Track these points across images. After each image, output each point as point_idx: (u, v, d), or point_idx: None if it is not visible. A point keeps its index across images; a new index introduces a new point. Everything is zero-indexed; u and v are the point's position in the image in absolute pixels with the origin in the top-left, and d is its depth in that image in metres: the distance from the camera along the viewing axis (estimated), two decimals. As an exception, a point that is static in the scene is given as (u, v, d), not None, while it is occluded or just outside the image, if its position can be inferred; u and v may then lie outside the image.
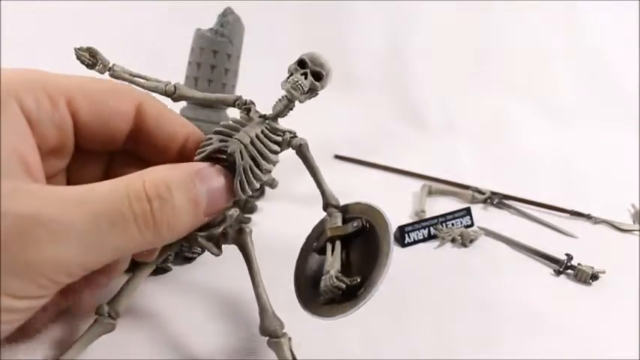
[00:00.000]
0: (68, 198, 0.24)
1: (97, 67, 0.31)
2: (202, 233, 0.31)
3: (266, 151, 0.30)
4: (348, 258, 0.29)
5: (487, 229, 0.54)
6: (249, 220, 0.49)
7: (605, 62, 0.97)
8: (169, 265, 0.41)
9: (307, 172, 0.31)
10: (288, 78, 0.30)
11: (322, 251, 0.30)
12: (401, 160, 0.72)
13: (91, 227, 0.23)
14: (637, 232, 0.58)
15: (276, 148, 0.31)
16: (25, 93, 0.26)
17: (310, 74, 0.30)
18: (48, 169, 0.29)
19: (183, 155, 0.31)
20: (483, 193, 0.63)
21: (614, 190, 0.68)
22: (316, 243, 0.31)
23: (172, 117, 0.32)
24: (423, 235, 0.52)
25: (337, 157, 0.73)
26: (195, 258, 0.43)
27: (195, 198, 0.27)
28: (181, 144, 0.32)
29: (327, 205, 0.31)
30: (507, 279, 0.46)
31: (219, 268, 0.43)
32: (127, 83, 0.31)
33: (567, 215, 0.61)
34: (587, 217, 0.60)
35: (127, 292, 0.30)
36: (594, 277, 0.46)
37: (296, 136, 0.31)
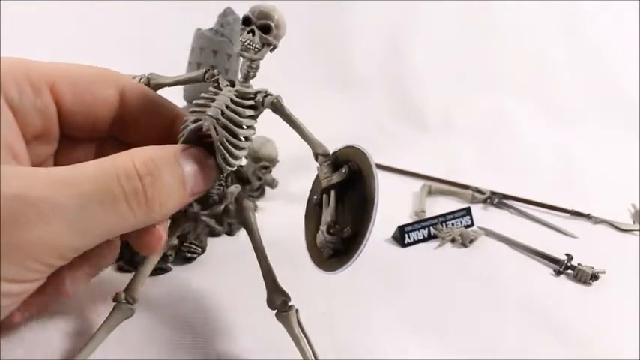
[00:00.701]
0: (56, 178, 0.23)
1: None
2: (205, 212, 0.31)
3: (239, 118, 0.29)
4: (344, 206, 0.29)
5: (487, 229, 0.54)
6: (255, 206, 0.49)
7: (605, 62, 0.97)
8: (169, 265, 0.41)
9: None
10: (239, 39, 0.30)
11: (321, 204, 0.29)
12: (401, 160, 0.72)
13: (81, 207, 0.23)
14: (637, 232, 0.58)
15: (249, 112, 0.30)
16: (8, 81, 0.27)
17: (258, 29, 0.29)
18: (34, 155, 0.29)
19: (171, 138, 0.31)
20: (483, 193, 0.63)
21: (614, 190, 0.68)
22: (315, 197, 0.30)
23: (157, 100, 0.32)
24: (423, 235, 0.52)
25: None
26: (195, 258, 0.43)
27: (181, 177, 0.27)
28: (168, 127, 0.32)
29: (316, 155, 0.30)
30: (507, 279, 0.46)
31: (219, 268, 0.43)
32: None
33: (567, 215, 0.61)
34: (587, 217, 0.60)
35: (140, 278, 0.31)
36: (594, 277, 0.46)
37: (269, 94, 0.30)
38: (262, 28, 0.29)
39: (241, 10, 0.55)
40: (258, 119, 0.31)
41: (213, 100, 0.29)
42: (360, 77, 0.95)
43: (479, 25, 0.97)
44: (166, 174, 0.26)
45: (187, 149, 0.28)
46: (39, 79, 0.28)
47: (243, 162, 0.32)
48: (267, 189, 0.58)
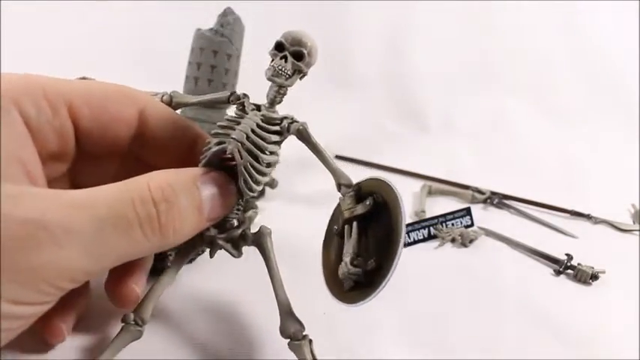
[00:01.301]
0: (71, 202, 0.23)
1: None
2: (222, 235, 0.31)
3: (264, 144, 0.29)
4: (367, 238, 0.29)
5: (487, 229, 0.54)
6: (256, 206, 0.49)
7: (605, 62, 0.97)
8: (169, 265, 0.41)
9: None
10: (270, 64, 0.30)
11: (341, 234, 0.29)
12: (401, 160, 0.72)
13: (95, 232, 0.23)
14: (637, 232, 0.58)
15: (275, 138, 0.30)
16: (25, 99, 0.26)
17: (290, 55, 0.29)
18: (49, 172, 0.29)
19: (192, 159, 0.31)
20: (483, 193, 0.63)
21: (614, 190, 0.68)
22: (336, 226, 0.30)
23: (179, 121, 0.32)
24: (423, 235, 0.52)
25: (338, 157, 0.73)
26: (195, 258, 0.43)
27: (198, 202, 0.27)
28: (190, 147, 0.32)
29: (339, 185, 0.30)
30: (507, 279, 0.46)
31: (219, 268, 0.43)
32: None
33: (567, 215, 0.61)
34: (587, 217, 0.60)
35: (151, 298, 0.30)
36: (594, 277, 0.46)
37: (295, 121, 0.30)
38: (295, 55, 0.29)
39: (241, 10, 0.55)
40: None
41: (239, 123, 0.29)
42: (360, 77, 0.95)
43: (479, 25, 0.97)
44: (183, 199, 0.26)
45: (207, 173, 0.28)
46: (56, 98, 0.28)
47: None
48: (267, 189, 0.58)
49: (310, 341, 0.30)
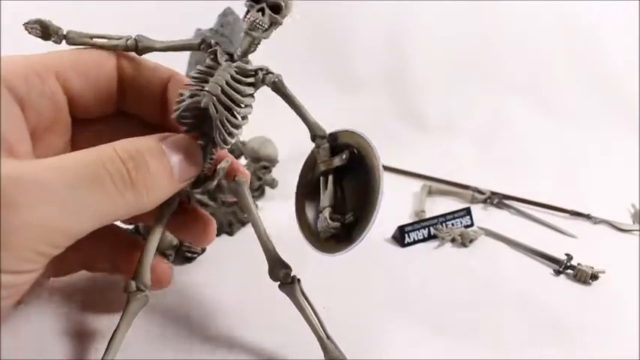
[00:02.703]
0: (45, 164, 0.24)
1: (52, 38, 0.30)
2: (197, 190, 0.30)
3: (239, 97, 0.28)
4: (342, 191, 0.29)
5: (487, 229, 0.54)
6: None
7: (605, 62, 0.97)
8: (169, 264, 0.41)
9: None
10: (246, 16, 0.29)
11: (316, 184, 0.30)
12: (401, 160, 0.72)
13: (68, 188, 0.23)
14: (637, 232, 0.58)
15: (249, 90, 0.29)
16: (14, 76, 0.27)
17: (268, 7, 0.29)
18: (49, 147, 0.29)
19: (168, 104, 0.31)
20: (483, 193, 0.63)
21: (614, 190, 0.68)
22: (310, 176, 0.31)
23: (150, 65, 0.32)
24: (423, 235, 0.52)
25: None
26: (195, 258, 0.43)
27: (166, 164, 0.27)
28: (162, 89, 0.32)
29: (314, 136, 0.30)
30: (507, 279, 0.46)
31: (219, 268, 0.43)
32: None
33: (567, 215, 0.61)
34: (587, 217, 0.60)
35: (147, 261, 0.30)
36: (594, 277, 0.46)
37: (270, 72, 0.30)
38: (273, 7, 0.29)
39: (241, 10, 0.55)
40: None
41: (212, 74, 0.28)
42: (360, 77, 0.95)
43: (479, 25, 0.97)
44: (150, 159, 0.26)
45: (169, 137, 0.28)
46: (43, 69, 0.28)
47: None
48: (267, 189, 0.58)
49: (298, 280, 0.30)
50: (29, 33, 0.30)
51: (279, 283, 0.31)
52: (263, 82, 0.29)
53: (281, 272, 0.30)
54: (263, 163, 0.58)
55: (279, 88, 0.29)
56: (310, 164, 0.31)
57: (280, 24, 0.29)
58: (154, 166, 0.26)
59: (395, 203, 0.60)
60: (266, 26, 0.29)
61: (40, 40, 0.31)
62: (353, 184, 0.29)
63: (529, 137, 0.87)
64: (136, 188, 0.25)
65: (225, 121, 0.28)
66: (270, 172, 0.58)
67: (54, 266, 0.31)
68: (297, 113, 0.30)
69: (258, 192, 0.58)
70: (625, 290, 0.45)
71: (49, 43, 0.31)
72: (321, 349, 0.31)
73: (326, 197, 0.29)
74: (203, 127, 0.29)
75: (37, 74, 0.28)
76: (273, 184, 0.57)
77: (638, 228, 0.58)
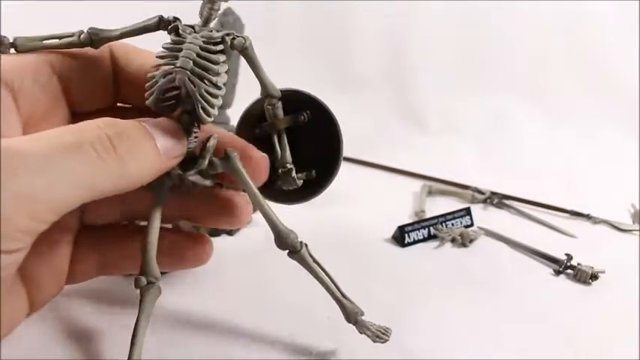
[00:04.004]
0: (21, 138, 0.24)
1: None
2: (191, 172, 0.30)
3: (212, 66, 0.28)
4: (293, 147, 0.32)
5: (487, 229, 0.54)
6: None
7: (605, 62, 0.97)
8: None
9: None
10: None
11: (265, 139, 0.32)
12: (401, 160, 0.72)
13: (44, 156, 0.22)
14: (637, 232, 0.58)
15: (220, 57, 0.28)
16: (4, 63, 0.27)
17: None
18: None
19: None
20: (483, 193, 0.63)
21: (614, 190, 0.68)
22: (258, 130, 0.32)
23: (140, 52, 0.32)
24: (423, 235, 0.52)
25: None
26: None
27: (148, 134, 0.27)
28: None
29: (267, 95, 0.31)
30: (507, 279, 0.46)
31: (219, 268, 0.43)
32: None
33: (567, 215, 0.61)
34: (587, 217, 0.60)
35: (151, 253, 0.29)
36: (594, 277, 0.46)
37: (236, 36, 0.29)
38: None
39: (241, 10, 0.55)
40: None
41: (180, 50, 0.28)
42: (360, 77, 0.95)
43: (479, 25, 0.97)
44: (132, 130, 0.26)
45: (151, 119, 0.28)
46: (36, 59, 0.29)
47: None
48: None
49: (306, 245, 0.31)
50: None
51: (287, 251, 0.31)
52: (232, 47, 0.29)
53: (289, 239, 0.30)
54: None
55: (248, 54, 0.30)
56: (255, 115, 0.33)
57: None
58: (135, 133, 0.26)
59: (395, 203, 0.61)
60: None
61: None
62: (308, 143, 0.32)
63: (529, 137, 0.87)
64: (118, 153, 0.25)
65: (205, 93, 0.28)
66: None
67: (68, 272, 0.32)
68: (256, 74, 0.30)
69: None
70: (625, 290, 0.45)
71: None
72: (339, 308, 0.31)
73: (285, 155, 0.31)
74: (183, 105, 0.28)
75: (29, 62, 0.28)
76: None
77: (638, 228, 0.58)
